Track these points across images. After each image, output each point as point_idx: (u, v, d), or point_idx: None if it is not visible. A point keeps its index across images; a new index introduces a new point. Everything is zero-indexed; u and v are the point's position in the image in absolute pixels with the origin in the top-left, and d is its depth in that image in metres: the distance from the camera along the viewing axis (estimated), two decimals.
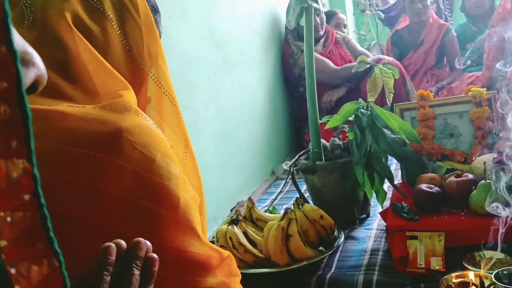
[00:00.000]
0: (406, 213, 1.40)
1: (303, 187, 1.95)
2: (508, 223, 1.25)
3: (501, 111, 1.59)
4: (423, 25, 3.37)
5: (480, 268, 1.11)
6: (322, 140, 1.81)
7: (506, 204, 1.24)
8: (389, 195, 1.67)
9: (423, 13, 3.32)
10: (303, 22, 1.81)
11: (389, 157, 1.78)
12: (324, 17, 3.08)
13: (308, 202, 1.62)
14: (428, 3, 3.37)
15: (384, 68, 1.69)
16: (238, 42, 2.37)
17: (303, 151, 1.87)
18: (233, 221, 1.46)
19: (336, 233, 1.48)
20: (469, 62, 3.46)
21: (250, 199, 1.61)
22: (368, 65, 1.71)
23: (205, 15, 2.06)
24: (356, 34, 4.53)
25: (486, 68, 2.72)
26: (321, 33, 3.01)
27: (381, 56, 2.98)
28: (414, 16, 3.36)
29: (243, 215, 1.54)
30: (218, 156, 2.03)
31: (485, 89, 1.69)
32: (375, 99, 1.68)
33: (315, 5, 1.73)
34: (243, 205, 1.97)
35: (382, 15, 4.57)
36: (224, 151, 2.09)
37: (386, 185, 1.80)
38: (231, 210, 2.05)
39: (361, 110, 1.62)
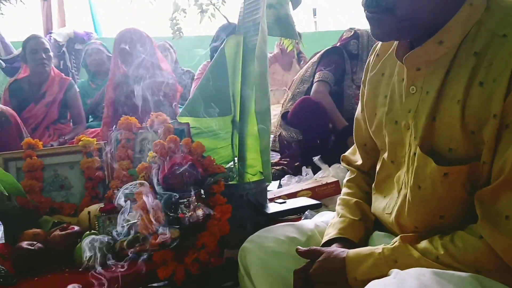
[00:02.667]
0: (2, 277, 1.19)
1: None
2: (113, 275, 1.21)
3: (109, 160, 1.61)
4: (45, 78, 3.21)
5: None
6: None
7: (107, 255, 1.21)
8: None
9: (47, 64, 3.17)
10: None
11: None
12: None
13: None
14: (51, 55, 3.26)
15: None
16: None
17: None
18: None
19: None
20: (91, 119, 3.53)
21: None
22: None
23: None
24: None
25: (104, 124, 2.80)
26: None
27: None
28: (36, 66, 3.15)
29: None
30: None
31: (95, 139, 1.68)
32: None
33: None
34: None
35: (4, 64, 4.20)
36: None
37: None
38: None
39: None
